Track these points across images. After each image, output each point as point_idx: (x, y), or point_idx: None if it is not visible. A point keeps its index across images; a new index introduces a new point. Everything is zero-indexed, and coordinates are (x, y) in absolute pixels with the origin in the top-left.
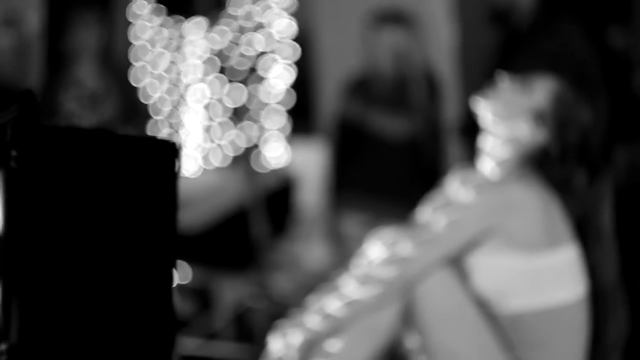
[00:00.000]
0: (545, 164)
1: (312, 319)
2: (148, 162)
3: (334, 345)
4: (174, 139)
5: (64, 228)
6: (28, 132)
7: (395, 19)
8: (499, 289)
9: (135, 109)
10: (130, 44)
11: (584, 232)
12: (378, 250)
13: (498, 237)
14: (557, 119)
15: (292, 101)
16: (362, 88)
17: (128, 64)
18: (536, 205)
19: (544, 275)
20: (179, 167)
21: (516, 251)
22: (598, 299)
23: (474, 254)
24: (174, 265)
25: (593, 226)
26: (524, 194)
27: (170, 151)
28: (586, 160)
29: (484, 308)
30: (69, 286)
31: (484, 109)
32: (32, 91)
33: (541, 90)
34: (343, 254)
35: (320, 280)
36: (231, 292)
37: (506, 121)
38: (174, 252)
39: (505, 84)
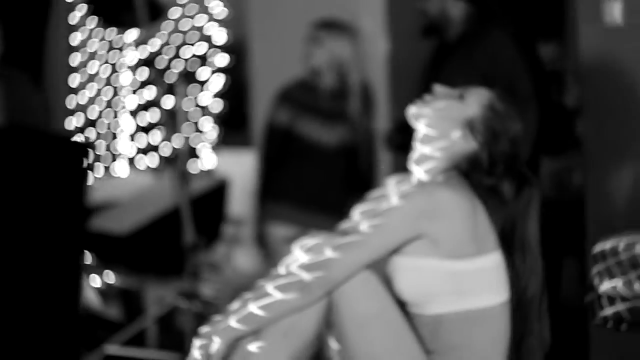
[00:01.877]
0: (474, 173)
1: (234, 319)
2: (55, 160)
3: (254, 345)
4: (85, 139)
5: None
6: None
7: (336, 28)
8: (421, 291)
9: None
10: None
11: (510, 241)
12: (298, 254)
13: (423, 241)
14: (488, 129)
15: (224, 109)
16: (296, 97)
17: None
18: (462, 212)
19: (467, 279)
20: (87, 167)
21: (440, 256)
22: (521, 307)
23: (397, 257)
24: (80, 263)
25: (518, 236)
26: (450, 200)
27: (78, 151)
28: (514, 170)
29: (405, 311)
30: None
31: (417, 118)
32: None
33: (473, 101)
34: (271, 261)
35: (249, 284)
36: (160, 294)
37: (438, 130)
38: (80, 251)
39: (438, 94)
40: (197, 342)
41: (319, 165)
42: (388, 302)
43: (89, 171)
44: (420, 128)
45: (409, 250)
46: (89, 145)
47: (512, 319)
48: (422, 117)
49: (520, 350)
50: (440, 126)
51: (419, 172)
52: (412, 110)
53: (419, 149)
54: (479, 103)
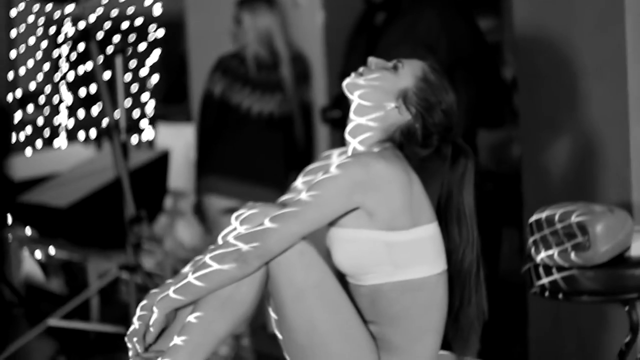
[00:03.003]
0: (409, 143)
1: (173, 290)
2: None
3: (193, 315)
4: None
5: None
6: None
7: (257, 2)
8: (358, 263)
9: None
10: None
11: (446, 211)
12: (235, 224)
13: (359, 212)
14: (421, 100)
15: (162, 82)
16: (230, 68)
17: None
18: (398, 184)
19: (403, 251)
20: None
21: (376, 227)
22: (458, 277)
23: (334, 229)
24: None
25: (454, 206)
26: (385, 171)
27: (4, 124)
28: (448, 141)
29: (343, 281)
30: None
31: (351, 89)
32: None
33: (407, 72)
34: (211, 233)
35: (191, 255)
36: (102, 266)
37: (372, 101)
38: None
39: (372, 64)
40: (136, 313)
41: (254, 136)
42: (325, 273)
43: (12, 145)
44: (355, 99)
45: (345, 222)
46: (19, 119)
47: (449, 289)
48: (356, 89)
49: (458, 320)
50: (374, 97)
51: (353, 143)
52: (346, 82)
53: (354, 119)
54: (412, 74)
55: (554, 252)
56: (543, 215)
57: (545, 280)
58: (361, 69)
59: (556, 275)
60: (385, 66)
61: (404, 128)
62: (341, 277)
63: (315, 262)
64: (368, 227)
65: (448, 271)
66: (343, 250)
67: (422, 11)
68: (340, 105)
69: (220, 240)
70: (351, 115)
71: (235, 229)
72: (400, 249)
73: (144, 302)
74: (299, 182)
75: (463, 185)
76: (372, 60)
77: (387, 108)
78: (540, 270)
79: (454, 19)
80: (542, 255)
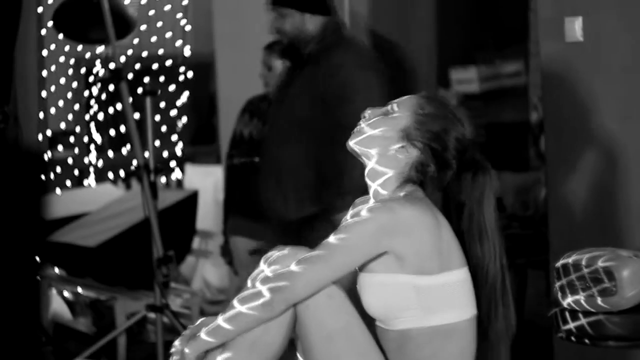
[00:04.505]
0: (426, 175)
1: (204, 332)
2: (10, 173)
3: (221, 356)
4: (50, 152)
5: None
6: None
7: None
8: (387, 307)
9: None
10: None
11: (468, 229)
12: (263, 267)
13: (388, 257)
14: (425, 133)
15: (192, 124)
16: (258, 109)
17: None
18: (425, 228)
19: (433, 295)
20: (44, 180)
21: (405, 272)
22: (484, 292)
23: (364, 273)
24: (36, 275)
25: (475, 222)
26: (412, 216)
27: (36, 164)
28: (468, 160)
29: (372, 325)
30: None
31: (358, 145)
32: None
33: (403, 110)
34: (239, 274)
35: (219, 297)
36: (130, 306)
37: (378, 149)
38: (35, 263)
39: (367, 115)
40: (171, 356)
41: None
42: (354, 317)
43: (46, 184)
44: (362, 152)
45: (375, 267)
46: (49, 158)
47: (478, 306)
48: (360, 143)
49: (487, 337)
50: (378, 144)
51: (374, 186)
52: (349, 144)
53: (368, 164)
54: (409, 111)
55: (581, 297)
56: (570, 260)
57: (571, 325)
58: (359, 123)
59: (583, 320)
60: (378, 113)
61: (417, 164)
62: (369, 321)
63: (343, 305)
64: (397, 271)
65: (475, 287)
66: (372, 295)
67: (328, 59)
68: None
69: (249, 283)
70: (365, 161)
71: (263, 271)
72: (430, 293)
73: (176, 344)
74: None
75: (483, 200)
76: (366, 111)
77: (392, 150)
78: (567, 314)
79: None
80: (568, 300)
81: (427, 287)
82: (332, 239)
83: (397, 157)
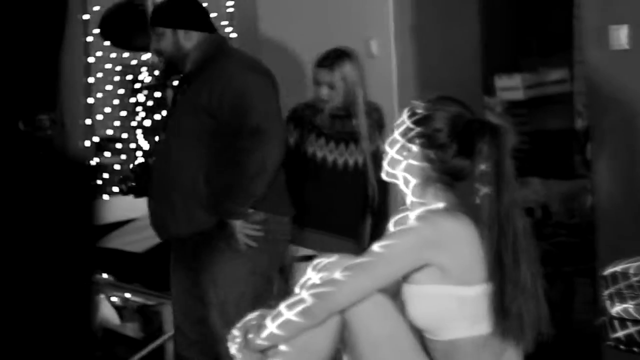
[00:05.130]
0: (448, 172)
1: (257, 335)
2: (63, 181)
3: None
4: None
5: None
6: None
7: (339, 56)
8: (432, 318)
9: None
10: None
11: (502, 231)
12: (311, 274)
13: (432, 269)
14: (411, 126)
15: None
16: (304, 118)
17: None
18: (467, 240)
19: (477, 304)
20: (95, 187)
21: (450, 283)
22: (517, 292)
23: (408, 285)
24: (92, 282)
25: (511, 225)
26: (454, 229)
27: (87, 171)
28: (468, 138)
29: (419, 335)
30: None
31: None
32: None
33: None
34: (290, 281)
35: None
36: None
37: (400, 161)
38: (91, 269)
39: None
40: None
41: (328, 186)
42: (401, 325)
43: (97, 191)
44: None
45: (419, 279)
46: (95, 165)
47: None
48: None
49: (522, 328)
50: (397, 151)
51: (408, 193)
52: (383, 175)
53: (400, 179)
54: (403, 117)
55: (629, 305)
56: (618, 268)
57: (620, 334)
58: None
59: (631, 329)
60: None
61: (423, 158)
62: (416, 331)
63: (390, 313)
64: (440, 282)
65: (503, 287)
66: (417, 306)
67: (213, 72)
68: None
69: (297, 289)
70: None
71: (310, 278)
72: (474, 303)
73: (235, 334)
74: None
75: (515, 204)
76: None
77: (400, 156)
78: (615, 323)
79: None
80: (617, 309)
81: (470, 297)
82: (376, 247)
83: (404, 160)
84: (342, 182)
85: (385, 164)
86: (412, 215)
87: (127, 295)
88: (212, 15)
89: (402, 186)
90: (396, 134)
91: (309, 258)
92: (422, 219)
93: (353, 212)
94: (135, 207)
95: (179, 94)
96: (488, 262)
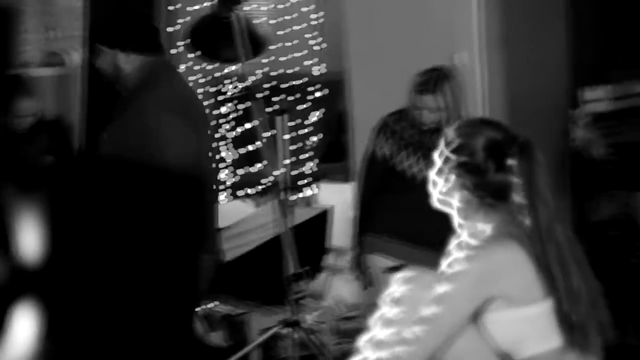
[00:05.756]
0: (501, 197)
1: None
2: (176, 194)
3: None
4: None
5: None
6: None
7: (441, 77)
8: (513, 339)
9: None
10: None
11: (544, 245)
12: (396, 287)
13: (498, 298)
14: (449, 152)
15: (323, 141)
16: (396, 130)
17: None
18: (521, 265)
19: (546, 319)
20: (205, 200)
21: (515, 306)
22: (573, 302)
23: (484, 313)
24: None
25: (553, 238)
26: (507, 258)
27: (196, 186)
28: (504, 161)
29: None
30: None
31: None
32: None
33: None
34: (372, 290)
35: (351, 312)
36: (263, 321)
37: (445, 188)
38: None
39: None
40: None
41: (417, 199)
42: (492, 355)
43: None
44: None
45: (489, 308)
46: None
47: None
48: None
49: (586, 337)
50: (440, 178)
51: (456, 217)
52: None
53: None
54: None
55: None
56: None
57: None
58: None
59: None
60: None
61: (464, 182)
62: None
63: (482, 346)
64: (508, 307)
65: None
66: (499, 331)
67: (137, 104)
68: None
69: (381, 302)
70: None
71: (395, 292)
72: (541, 319)
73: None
74: (452, 246)
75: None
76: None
77: (449, 190)
78: None
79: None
80: None
81: (537, 314)
82: (434, 307)
83: (448, 186)
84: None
85: (433, 192)
86: (462, 254)
87: (213, 304)
88: (299, 27)
89: (450, 211)
90: (438, 162)
91: (394, 269)
92: (472, 259)
93: (439, 225)
94: (219, 217)
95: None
96: (540, 278)
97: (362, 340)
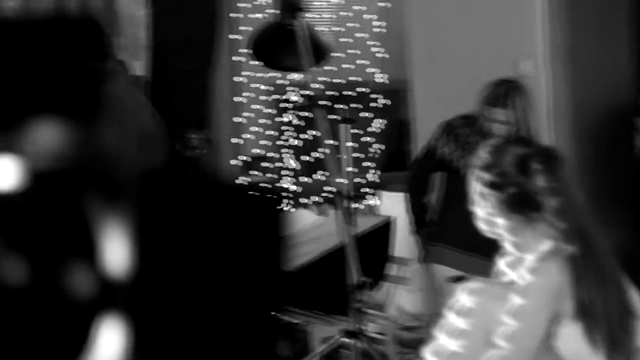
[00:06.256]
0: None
1: None
2: (253, 216)
3: None
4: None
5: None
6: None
7: (512, 89)
8: (579, 350)
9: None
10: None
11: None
12: (462, 298)
13: (563, 313)
14: (482, 175)
15: (386, 150)
16: (461, 136)
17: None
18: (570, 279)
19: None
20: (282, 220)
21: (572, 320)
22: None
23: (554, 329)
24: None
25: (589, 247)
26: (561, 272)
27: (273, 206)
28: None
29: None
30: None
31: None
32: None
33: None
34: (436, 300)
35: (413, 323)
36: (326, 331)
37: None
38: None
39: None
40: None
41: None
42: None
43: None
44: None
45: (558, 323)
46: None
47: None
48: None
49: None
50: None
51: (503, 237)
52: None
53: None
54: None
55: None
56: None
57: None
58: None
59: None
60: None
61: (503, 202)
62: None
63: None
64: (568, 323)
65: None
66: (567, 344)
67: None
68: None
69: (447, 312)
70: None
71: (462, 302)
72: None
73: None
74: (502, 263)
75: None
76: None
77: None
78: None
79: None
80: None
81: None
82: (507, 344)
83: (489, 208)
84: None
85: (477, 213)
86: (520, 283)
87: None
88: (361, 35)
89: (496, 230)
90: (476, 185)
91: (458, 279)
92: (534, 283)
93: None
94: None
95: None
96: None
97: (428, 350)
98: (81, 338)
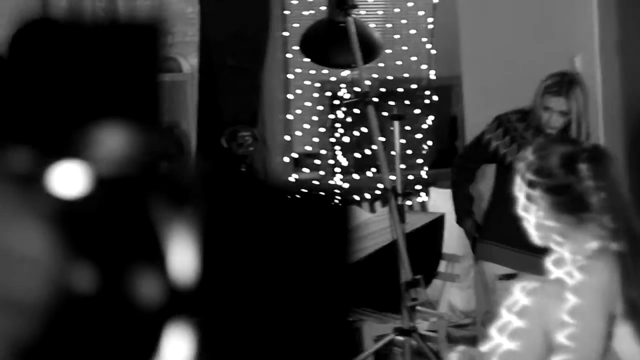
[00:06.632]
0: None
1: None
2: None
3: None
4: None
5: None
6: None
7: (573, 80)
8: (634, 351)
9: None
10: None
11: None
12: (518, 296)
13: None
14: (529, 178)
15: (436, 147)
16: (516, 130)
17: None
18: (619, 278)
19: None
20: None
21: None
22: None
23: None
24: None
25: (637, 236)
26: (610, 272)
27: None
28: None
29: None
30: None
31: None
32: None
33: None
34: (487, 297)
35: (465, 320)
36: (377, 328)
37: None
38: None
39: None
40: None
41: None
42: None
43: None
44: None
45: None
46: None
47: None
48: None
49: None
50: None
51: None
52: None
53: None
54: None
55: None
56: None
57: None
58: None
59: None
60: None
61: (552, 204)
62: None
63: None
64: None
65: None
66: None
67: None
68: None
69: (503, 311)
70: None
71: (518, 301)
72: None
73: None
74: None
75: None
76: None
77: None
78: None
79: None
80: None
81: None
82: (570, 317)
83: (539, 211)
84: None
85: (527, 218)
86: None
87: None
88: (411, 31)
89: (548, 234)
90: (525, 188)
91: (509, 277)
92: (585, 269)
93: None
94: None
95: None
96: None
97: (484, 349)
98: (149, 345)
